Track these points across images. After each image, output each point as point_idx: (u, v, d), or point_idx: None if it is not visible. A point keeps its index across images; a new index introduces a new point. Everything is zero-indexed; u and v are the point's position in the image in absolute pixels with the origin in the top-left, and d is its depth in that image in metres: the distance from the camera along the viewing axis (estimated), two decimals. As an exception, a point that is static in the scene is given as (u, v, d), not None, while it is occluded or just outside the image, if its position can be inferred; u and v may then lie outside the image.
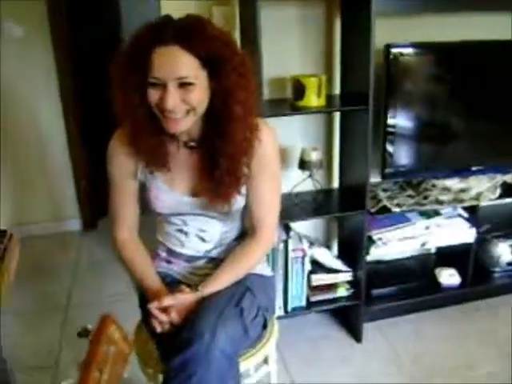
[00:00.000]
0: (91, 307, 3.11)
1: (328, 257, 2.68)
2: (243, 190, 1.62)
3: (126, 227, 1.73)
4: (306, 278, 2.59)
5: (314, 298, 2.65)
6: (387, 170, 2.54)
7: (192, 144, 1.58)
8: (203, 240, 1.73)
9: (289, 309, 2.61)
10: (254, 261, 1.70)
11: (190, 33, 1.35)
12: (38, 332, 2.92)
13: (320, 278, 2.64)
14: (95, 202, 4.13)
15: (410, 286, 2.80)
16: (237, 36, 2.42)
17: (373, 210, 2.48)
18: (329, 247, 2.91)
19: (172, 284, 1.73)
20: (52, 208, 4.15)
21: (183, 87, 1.37)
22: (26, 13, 3.59)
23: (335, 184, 2.78)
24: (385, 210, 2.51)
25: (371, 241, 2.56)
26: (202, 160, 1.58)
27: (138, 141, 1.53)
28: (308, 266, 2.59)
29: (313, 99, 2.29)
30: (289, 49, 2.49)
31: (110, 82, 1.45)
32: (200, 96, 1.41)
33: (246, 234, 1.78)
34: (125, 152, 1.60)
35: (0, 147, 3.79)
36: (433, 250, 3.09)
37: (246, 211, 1.70)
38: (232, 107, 1.43)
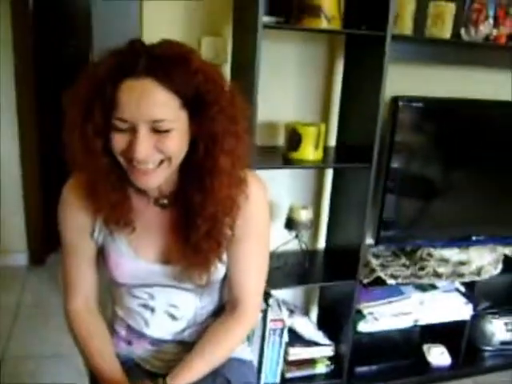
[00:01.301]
0: (29, 362, 2.71)
1: (309, 328, 2.37)
2: (225, 256, 1.32)
3: (81, 296, 1.39)
4: (282, 352, 2.27)
5: (289, 375, 2.35)
6: (383, 234, 2.26)
7: (164, 202, 1.28)
8: (173, 317, 1.41)
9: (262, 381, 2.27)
10: (234, 344, 1.39)
11: (168, 63, 1.06)
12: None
13: (298, 352, 2.33)
14: (45, 234, 3.73)
15: (397, 365, 2.53)
16: (227, 72, 2.12)
17: (366, 281, 2.18)
18: (307, 313, 2.59)
19: (132, 370, 1.42)
20: (-3, 239, 3.73)
21: (157, 132, 1.08)
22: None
23: (320, 244, 2.49)
24: (378, 280, 2.21)
25: (360, 314, 2.26)
26: (176, 220, 1.28)
27: (96, 194, 1.22)
28: (286, 338, 2.27)
29: (309, 151, 2.00)
30: (283, 90, 2.21)
31: (64, 120, 1.14)
32: (178, 143, 1.11)
33: (223, 308, 1.48)
34: (80, 205, 1.27)
35: None
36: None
37: (227, 281, 1.40)
38: (217, 158, 1.14)
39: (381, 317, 2.28)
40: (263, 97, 1.88)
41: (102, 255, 1.36)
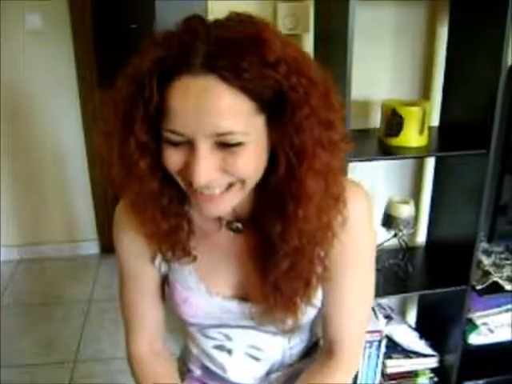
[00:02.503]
0: (101, 363, 2.58)
1: (409, 337, 2.07)
2: (317, 297, 1.02)
3: (145, 336, 1.14)
4: (380, 365, 1.98)
5: (387, 389, 2.04)
6: (499, 228, 1.90)
7: (238, 226, 0.99)
8: (256, 359, 1.14)
9: (356, 402, 2.00)
10: None
11: (237, 51, 0.74)
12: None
13: (397, 364, 2.03)
14: (116, 223, 3.58)
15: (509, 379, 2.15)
16: (308, 45, 1.81)
17: (479, 288, 1.84)
18: (403, 316, 2.28)
19: None
20: (68, 228, 3.67)
21: (224, 147, 0.78)
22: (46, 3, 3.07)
23: (420, 239, 2.15)
24: (493, 286, 1.87)
25: (472, 324, 1.93)
26: (254, 247, 0.98)
27: (144, 220, 0.94)
28: (383, 349, 1.98)
29: (412, 137, 1.67)
30: (377, 62, 1.87)
31: (102, 129, 0.87)
32: (252, 161, 0.81)
33: (316, 345, 1.21)
34: (136, 229, 0.99)
35: (10, 158, 3.42)
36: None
37: (322, 319, 1.10)
38: (303, 179, 0.82)
39: (496, 328, 1.94)
40: (354, 71, 1.56)
41: (167, 285, 1.10)
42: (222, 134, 0.75)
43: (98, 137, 0.88)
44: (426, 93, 1.95)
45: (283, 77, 0.75)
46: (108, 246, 3.65)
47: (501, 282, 1.86)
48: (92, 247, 3.68)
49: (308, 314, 1.02)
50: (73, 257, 3.66)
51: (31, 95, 3.25)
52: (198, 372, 1.22)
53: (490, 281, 1.86)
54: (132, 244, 1.03)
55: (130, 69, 0.79)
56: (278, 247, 0.89)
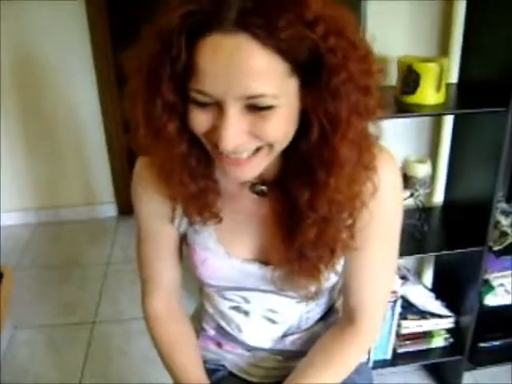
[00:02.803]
0: (120, 324, 2.61)
1: (425, 298, 2.04)
2: (340, 263, 1.00)
3: (161, 295, 1.15)
4: (395, 326, 1.98)
5: (402, 350, 2.05)
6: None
7: (262, 189, 0.96)
8: (272, 322, 1.13)
9: (370, 363, 2.00)
10: (352, 365, 1.08)
11: (272, 8, 0.68)
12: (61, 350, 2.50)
13: (412, 325, 2.02)
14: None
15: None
16: None
17: (496, 248, 1.81)
18: (419, 276, 2.27)
19: (224, 383, 1.18)
20: (85, 191, 3.70)
21: (254, 110, 0.74)
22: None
23: (437, 199, 2.12)
24: (510, 246, 1.84)
25: (488, 285, 1.91)
26: (278, 212, 0.96)
27: (171, 183, 0.92)
28: (398, 309, 1.97)
29: (429, 94, 1.62)
30: (392, 16, 1.80)
31: (126, 90, 0.83)
32: (282, 125, 0.77)
33: (332, 310, 1.20)
34: (155, 188, 0.97)
35: (27, 122, 3.43)
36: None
37: (343, 287, 1.08)
38: (337, 147, 0.78)
39: (514, 289, 1.92)
40: (369, 27, 1.51)
41: (185, 245, 1.09)
42: (253, 96, 0.72)
43: (125, 99, 0.84)
44: (444, 49, 1.89)
45: (321, 38, 0.70)
46: (126, 209, 3.68)
47: (520, 243, 1.83)
48: (109, 210, 3.71)
49: (331, 280, 1.00)
50: (90, 220, 3.69)
51: (44, 58, 3.23)
52: (212, 332, 1.22)
53: (508, 242, 1.83)
54: (151, 203, 1.01)
55: (156, 25, 0.75)
56: (306, 215, 0.87)
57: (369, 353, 1.95)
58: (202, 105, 0.75)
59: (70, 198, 3.66)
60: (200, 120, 0.77)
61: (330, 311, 1.19)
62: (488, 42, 1.71)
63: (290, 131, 0.80)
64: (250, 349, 1.17)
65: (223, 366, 1.22)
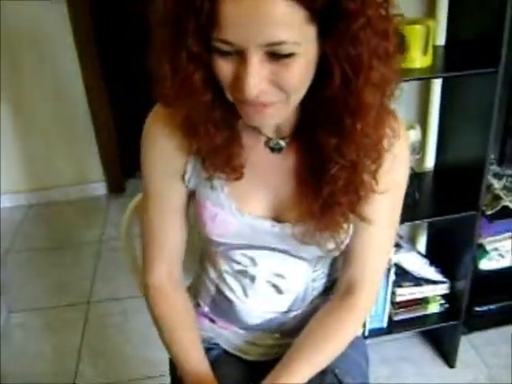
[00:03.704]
0: (117, 303, 2.60)
1: (419, 264, 2.03)
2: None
3: (164, 262, 1.11)
4: (389, 294, 1.97)
5: (397, 317, 2.05)
6: (509, 150, 1.84)
7: (280, 143, 0.96)
8: (278, 290, 1.10)
9: (366, 332, 1.99)
10: (348, 339, 1.07)
11: None
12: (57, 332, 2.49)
13: (407, 292, 2.01)
14: (121, 161, 3.59)
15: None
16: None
17: (489, 213, 1.79)
18: (413, 243, 2.25)
19: (218, 362, 1.16)
20: (74, 171, 3.65)
21: (275, 58, 0.75)
22: None
23: (428, 164, 2.09)
24: (504, 210, 1.82)
25: (482, 250, 1.89)
26: (297, 168, 0.97)
27: (196, 135, 0.92)
28: (392, 277, 1.96)
29: (416, 57, 1.58)
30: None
31: (151, 42, 0.83)
32: (302, 73, 0.78)
33: (332, 287, 1.17)
34: (169, 142, 0.98)
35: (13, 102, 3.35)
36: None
37: (346, 256, 1.06)
38: (361, 92, 0.79)
39: (507, 253, 1.90)
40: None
41: (192, 203, 1.06)
42: (274, 43, 0.72)
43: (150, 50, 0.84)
44: (430, 11, 1.84)
45: None
46: (116, 187, 3.65)
47: (511, 206, 1.81)
48: (100, 188, 3.67)
49: (349, 233, 0.99)
50: (81, 199, 3.65)
51: (26, 35, 3.16)
52: (205, 308, 1.20)
53: (501, 205, 1.81)
54: (160, 160, 1.00)
55: None
56: (334, 161, 0.87)
57: (364, 325, 1.94)
58: (225, 54, 0.76)
59: (60, 179, 3.61)
60: (224, 69, 0.78)
61: (331, 286, 1.17)
62: (475, 1, 1.66)
63: (307, 80, 0.80)
64: (244, 327, 1.15)
65: (217, 344, 1.20)
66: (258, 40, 0.72)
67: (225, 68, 0.78)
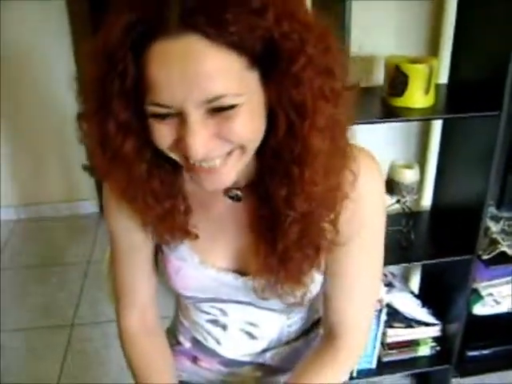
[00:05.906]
0: (100, 326, 2.53)
1: (411, 305, 1.98)
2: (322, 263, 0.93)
3: (136, 310, 1.08)
4: (380, 335, 1.91)
5: (387, 358, 1.99)
6: (509, 193, 1.81)
7: (237, 193, 0.89)
8: (251, 336, 1.07)
9: (354, 373, 1.93)
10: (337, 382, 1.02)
11: (217, 2, 0.64)
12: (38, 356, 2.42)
13: (398, 334, 1.96)
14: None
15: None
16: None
17: (486, 257, 1.75)
18: (406, 282, 2.20)
19: None
20: (66, 188, 3.62)
21: (217, 112, 0.69)
22: None
23: (425, 203, 2.05)
24: (501, 256, 1.77)
25: (477, 295, 1.84)
26: (255, 217, 0.90)
27: (136, 206, 0.87)
28: (384, 318, 1.90)
29: (417, 97, 1.56)
30: (379, 13, 1.72)
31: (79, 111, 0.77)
32: (250, 123, 0.72)
33: (315, 324, 1.14)
34: (119, 211, 0.94)
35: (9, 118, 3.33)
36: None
37: (323, 301, 1.01)
38: (307, 137, 0.72)
39: (503, 299, 1.86)
40: (354, 22, 1.43)
41: (160, 254, 1.02)
42: (213, 99, 0.67)
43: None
44: (433, 49, 1.81)
45: (273, 24, 0.66)
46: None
47: (509, 251, 1.77)
48: (91, 207, 3.63)
49: (316, 283, 0.94)
50: (71, 216, 3.62)
51: (23, 50, 3.13)
52: (187, 344, 1.16)
53: (498, 250, 1.76)
54: (123, 220, 0.95)
55: (100, 42, 0.69)
56: (285, 214, 0.81)
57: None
58: (162, 117, 0.70)
59: (51, 195, 3.58)
60: (163, 133, 0.71)
61: (311, 325, 1.14)
62: (480, 42, 1.63)
63: (259, 128, 0.74)
64: (227, 363, 1.11)
65: (199, 383, 1.17)
66: (195, 98, 0.66)
67: (164, 132, 0.71)
